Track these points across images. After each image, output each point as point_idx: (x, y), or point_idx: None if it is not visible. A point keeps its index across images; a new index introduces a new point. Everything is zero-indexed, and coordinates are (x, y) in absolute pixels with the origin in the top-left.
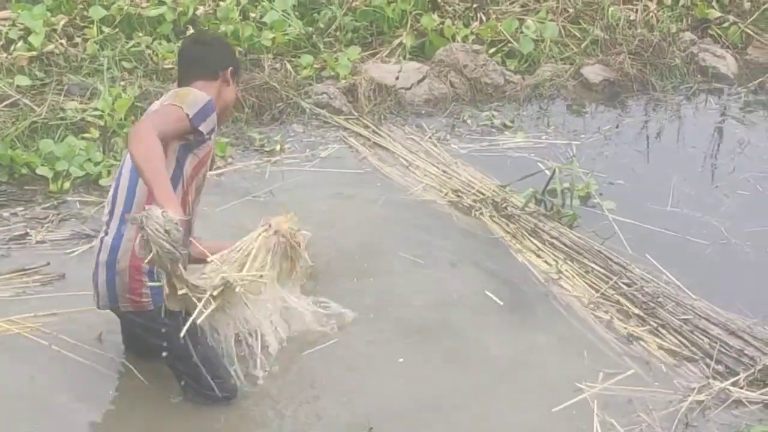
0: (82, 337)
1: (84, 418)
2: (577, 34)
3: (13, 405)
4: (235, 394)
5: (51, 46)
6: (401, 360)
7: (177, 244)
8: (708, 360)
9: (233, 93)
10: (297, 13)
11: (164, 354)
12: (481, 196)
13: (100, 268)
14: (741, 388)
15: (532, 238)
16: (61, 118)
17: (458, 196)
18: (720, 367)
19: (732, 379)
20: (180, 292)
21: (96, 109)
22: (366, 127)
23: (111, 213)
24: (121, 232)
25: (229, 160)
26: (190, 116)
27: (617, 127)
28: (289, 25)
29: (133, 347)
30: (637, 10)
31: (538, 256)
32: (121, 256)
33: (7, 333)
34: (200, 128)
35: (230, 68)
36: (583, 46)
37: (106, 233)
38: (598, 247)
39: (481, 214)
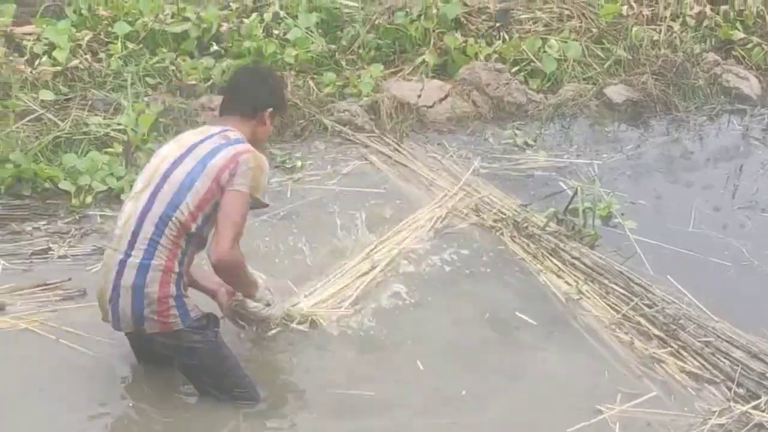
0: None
1: (102, 418)
2: (600, 53)
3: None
4: (259, 399)
5: (75, 61)
6: (421, 368)
7: (268, 312)
8: (729, 383)
9: (267, 132)
10: (320, 31)
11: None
12: (502, 215)
13: (122, 291)
14: (762, 411)
15: (553, 258)
16: (85, 133)
17: (479, 215)
18: (741, 390)
19: (753, 403)
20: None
21: (119, 124)
22: (387, 144)
23: (134, 238)
24: (149, 258)
25: None
26: (261, 199)
27: (639, 147)
28: (312, 43)
29: (147, 360)
30: (660, 30)
31: (559, 277)
32: (150, 281)
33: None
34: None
35: (270, 109)
36: (606, 66)
37: (128, 255)
38: (619, 267)
39: (502, 234)
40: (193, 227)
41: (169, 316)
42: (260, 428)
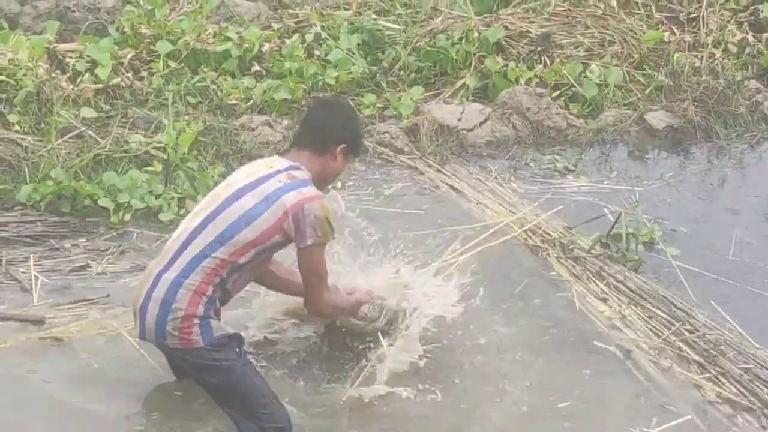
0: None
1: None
2: (641, 79)
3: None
4: (290, 424)
5: (117, 79)
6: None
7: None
8: (766, 410)
9: (339, 167)
10: (361, 52)
11: (215, 391)
12: (548, 236)
13: (152, 303)
14: None
15: (597, 281)
16: (125, 151)
17: (527, 237)
18: None
19: None
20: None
21: (159, 142)
22: (429, 166)
23: (176, 257)
24: (184, 277)
25: None
26: (331, 239)
27: (680, 174)
28: (353, 64)
29: (183, 376)
30: (702, 57)
31: (603, 300)
32: (179, 299)
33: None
34: None
35: (344, 146)
36: (647, 91)
37: (166, 270)
38: (663, 292)
39: (548, 254)
40: (241, 260)
41: (191, 334)
42: None
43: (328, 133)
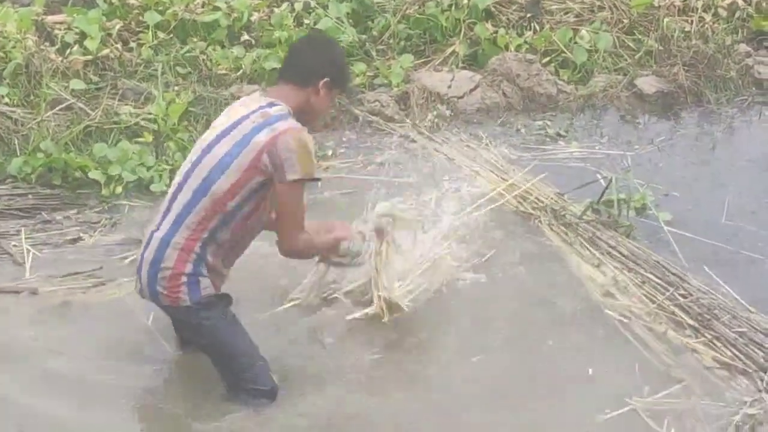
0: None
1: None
2: (631, 45)
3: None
4: (275, 390)
5: (106, 51)
6: (454, 360)
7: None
8: (762, 373)
9: (324, 103)
10: (351, 21)
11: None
12: (540, 203)
13: (144, 263)
14: None
15: (590, 247)
16: (115, 123)
17: (518, 203)
18: None
19: None
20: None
21: (150, 113)
22: (420, 134)
23: (166, 213)
24: (172, 234)
25: None
26: (312, 176)
27: (671, 139)
28: (343, 33)
29: (187, 342)
30: (692, 21)
31: (596, 266)
32: (168, 256)
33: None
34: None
35: (326, 79)
36: (637, 57)
37: (158, 228)
38: (655, 257)
39: (540, 221)
40: (229, 206)
41: (179, 292)
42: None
43: (310, 65)
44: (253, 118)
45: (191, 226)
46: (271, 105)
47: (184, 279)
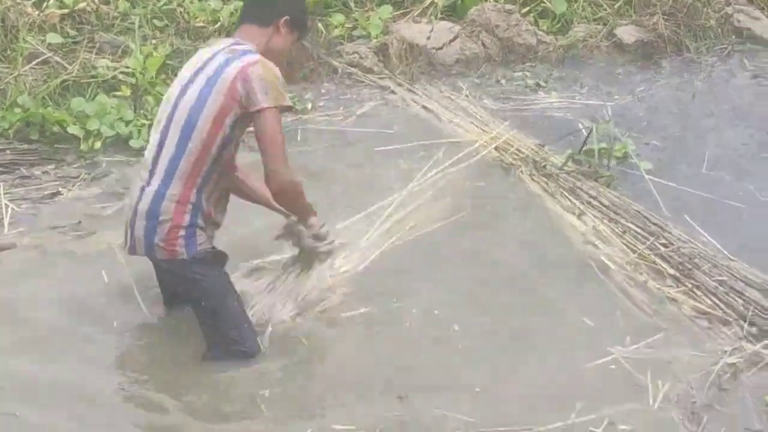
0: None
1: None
2: None
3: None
4: (259, 351)
5: (83, 4)
6: (437, 312)
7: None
8: (742, 322)
9: (285, 44)
10: None
11: (195, 305)
12: (521, 154)
13: (137, 216)
14: None
15: (571, 198)
16: (93, 77)
17: (499, 153)
18: (754, 330)
19: (765, 341)
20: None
21: (127, 67)
22: (400, 85)
23: (154, 167)
24: (166, 187)
25: None
26: (286, 104)
27: (651, 88)
28: None
29: (169, 298)
30: None
31: (577, 216)
32: (165, 209)
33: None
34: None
35: (286, 18)
36: (616, 6)
37: (148, 184)
38: (636, 207)
39: (521, 172)
40: (214, 151)
41: (176, 245)
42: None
43: (270, 3)
44: (222, 54)
45: (183, 176)
46: (236, 43)
47: (182, 232)
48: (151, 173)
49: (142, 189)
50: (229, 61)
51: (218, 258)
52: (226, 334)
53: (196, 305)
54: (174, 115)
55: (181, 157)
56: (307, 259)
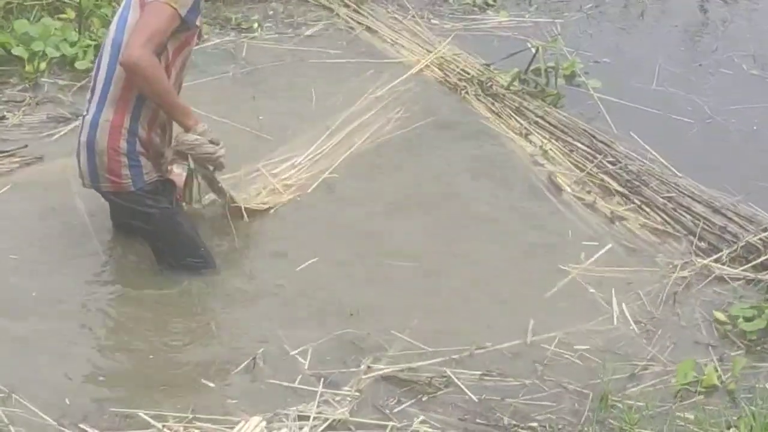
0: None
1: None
2: None
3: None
4: (214, 267)
5: None
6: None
7: (215, 148)
8: (691, 237)
9: None
10: None
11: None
12: (466, 74)
13: (81, 147)
14: (723, 264)
15: (517, 118)
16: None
17: (444, 74)
18: (703, 244)
19: (714, 256)
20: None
21: None
22: (347, 6)
23: (92, 94)
24: (99, 113)
25: (205, 37)
26: (184, 15)
27: (599, 6)
28: None
29: (120, 226)
30: None
31: (524, 136)
32: (100, 137)
33: None
34: (195, 23)
35: None
36: None
37: (87, 112)
38: (583, 125)
39: (467, 93)
40: None
41: (122, 176)
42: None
43: None
44: None
45: (115, 101)
46: None
47: (124, 160)
48: (89, 101)
49: (83, 118)
50: None
51: (167, 186)
52: (183, 260)
53: (150, 236)
54: (106, 41)
55: (110, 81)
56: (208, 175)
